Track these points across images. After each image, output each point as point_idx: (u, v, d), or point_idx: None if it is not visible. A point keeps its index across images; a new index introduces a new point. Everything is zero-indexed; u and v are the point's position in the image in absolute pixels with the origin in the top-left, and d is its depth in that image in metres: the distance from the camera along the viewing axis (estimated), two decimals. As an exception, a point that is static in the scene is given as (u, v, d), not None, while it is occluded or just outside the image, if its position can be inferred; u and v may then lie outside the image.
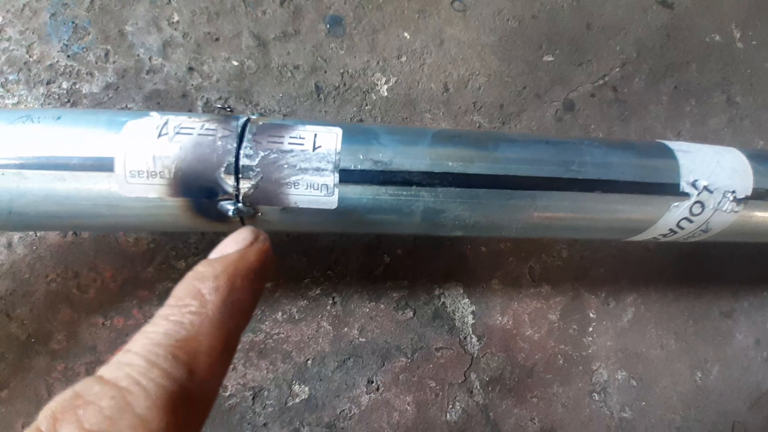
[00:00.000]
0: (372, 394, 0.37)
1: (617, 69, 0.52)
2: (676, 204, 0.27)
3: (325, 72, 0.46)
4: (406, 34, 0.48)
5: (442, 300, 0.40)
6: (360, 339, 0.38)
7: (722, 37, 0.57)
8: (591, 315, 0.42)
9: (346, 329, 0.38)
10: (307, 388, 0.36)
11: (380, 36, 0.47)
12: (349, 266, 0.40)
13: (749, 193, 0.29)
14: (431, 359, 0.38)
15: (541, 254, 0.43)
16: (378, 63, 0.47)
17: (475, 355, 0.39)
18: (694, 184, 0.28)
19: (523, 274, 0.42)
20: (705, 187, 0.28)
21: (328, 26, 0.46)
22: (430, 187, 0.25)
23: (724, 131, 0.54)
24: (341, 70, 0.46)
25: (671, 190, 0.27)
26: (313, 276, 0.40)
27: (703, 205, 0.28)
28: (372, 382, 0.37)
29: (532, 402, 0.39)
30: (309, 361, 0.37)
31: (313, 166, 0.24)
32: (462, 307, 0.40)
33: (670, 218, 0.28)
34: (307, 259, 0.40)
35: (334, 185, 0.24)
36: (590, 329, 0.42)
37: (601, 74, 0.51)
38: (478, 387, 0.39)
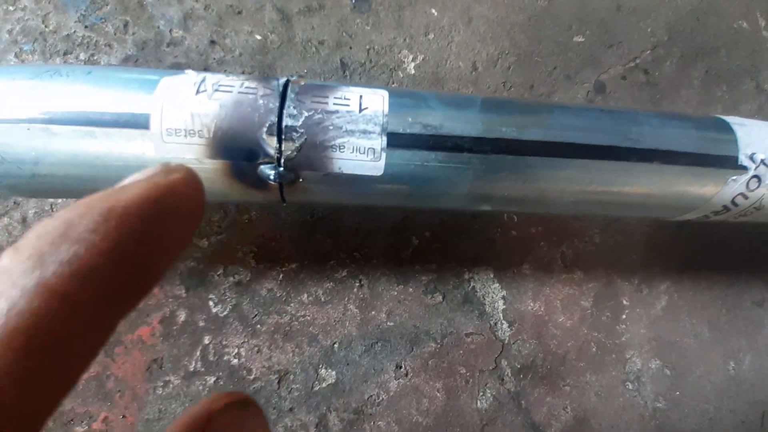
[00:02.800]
0: (401, 380, 0.35)
1: (648, 51, 0.51)
2: (734, 178, 0.26)
3: (351, 48, 0.44)
4: (433, 11, 0.46)
5: (472, 284, 0.39)
6: (388, 323, 0.37)
7: (749, 25, 0.56)
8: (624, 302, 0.41)
9: (373, 312, 0.37)
10: (334, 373, 0.35)
11: (407, 12, 0.46)
12: (375, 248, 0.39)
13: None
14: (461, 345, 0.37)
15: (573, 239, 0.41)
16: (405, 40, 0.45)
17: (506, 341, 0.38)
18: (752, 158, 0.26)
19: (554, 260, 0.41)
20: (762, 161, 0.26)
21: (353, 1, 0.45)
22: (481, 153, 0.23)
23: (756, 117, 0.53)
24: (367, 47, 0.44)
25: (730, 163, 0.26)
26: (339, 258, 0.38)
27: (760, 180, 0.27)
28: (400, 367, 0.36)
29: (565, 390, 0.38)
30: (336, 345, 0.36)
31: (359, 128, 0.22)
32: (492, 292, 0.39)
33: (727, 193, 0.26)
34: (333, 241, 0.38)
35: (382, 149, 0.23)
36: (623, 317, 0.40)
37: (632, 56, 0.50)
38: (510, 374, 0.37)
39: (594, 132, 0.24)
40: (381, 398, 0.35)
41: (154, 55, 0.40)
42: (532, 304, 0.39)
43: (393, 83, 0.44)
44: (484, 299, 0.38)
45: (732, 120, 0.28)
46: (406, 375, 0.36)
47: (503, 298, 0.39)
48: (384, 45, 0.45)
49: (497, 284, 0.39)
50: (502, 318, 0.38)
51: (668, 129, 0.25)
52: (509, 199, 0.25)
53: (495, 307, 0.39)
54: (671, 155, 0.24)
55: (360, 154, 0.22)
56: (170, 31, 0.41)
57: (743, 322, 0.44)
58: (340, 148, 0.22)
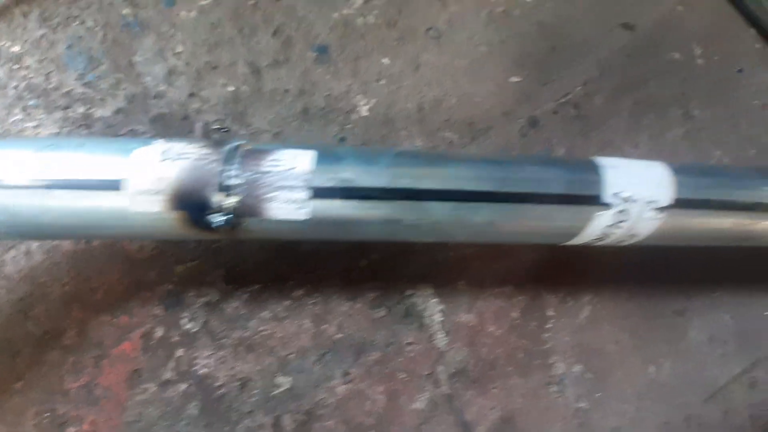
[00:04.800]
0: (347, 385, 0.41)
1: (579, 87, 0.57)
2: (599, 213, 0.32)
3: (312, 95, 0.51)
4: (385, 60, 0.53)
5: (413, 300, 0.44)
6: (338, 335, 0.43)
7: (682, 55, 0.62)
8: (550, 313, 0.47)
9: (325, 326, 0.43)
10: (289, 379, 0.41)
11: (362, 62, 0.53)
12: (330, 269, 0.45)
13: (670, 202, 0.33)
14: (402, 353, 0.43)
15: (505, 257, 0.47)
16: (360, 86, 0.52)
17: (442, 349, 0.44)
18: (617, 196, 0.32)
19: (487, 276, 0.47)
20: (627, 198, 0.32)
21: (315, 54, 0.52)
22: (387, 200, 0.29)
23: (681, 143, 0.59)
24: (326, 93, 0.51)
25: (594, 201, 0.31)
26: (297, 278, 0.44)
27: (627, 214, 0.33)
28: (348, 374, 0.41)
29: (494, 392, 0.43)
30: (291, 355, 0.42)
31: (288, 184, 0.29)
32: (431, 306, 0.45)
33: (596, 226, 0.32)
34: (292, 263, 0.45)
35: (307, 200, 0.29)
36: (549, 326, 0.46)
37: (565, 92, 0.56)
38: (445, 378, 0.43)
39: (479, 180, 0.30)
40: (330, 401, 0.41)
41: (142, 107, 0.47)
42: (466, 316, 0.45)
43: (348, 125, 0.51)
44: (424, 312, 0.44)
45: (607, 162, 0.34)
46: (353, 381, 0.41)
47: (441, 311, 0.45)
48: (341, 91, 0.51)
49: (436, 299, 0.45)
50: (439, 329, 0.44)
51: (543, 174, 0.31)
52: (415, 234, 0.31)
53: (433, 319, 0.44)
54: (541, 197, 0.30)
55: (288, 204, 0.29)
56: (156, 85, 0.48)
57: (664, 329, 0.50)
58: (273, 200, 0.29)
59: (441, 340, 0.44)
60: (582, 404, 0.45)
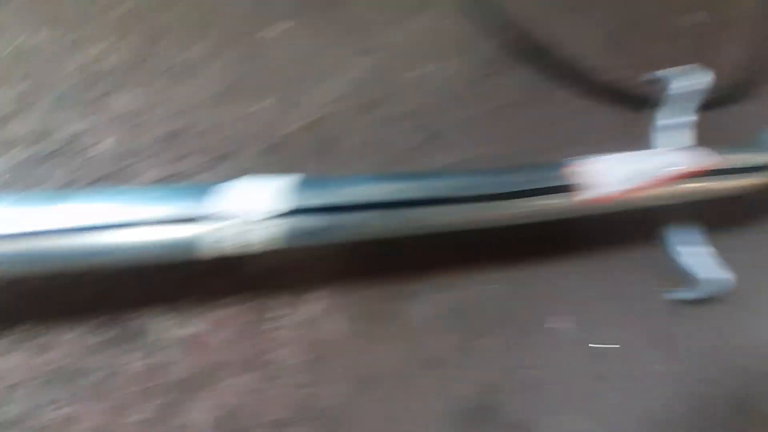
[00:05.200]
0: (59, 411, 0.44)
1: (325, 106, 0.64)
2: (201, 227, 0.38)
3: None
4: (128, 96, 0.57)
5: (140, 320, 0.48)
6: (58, 364, 0.45)
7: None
8: (283, 312, 0.52)
9: (47, 355, 0.46)
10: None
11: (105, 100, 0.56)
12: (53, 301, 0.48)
13: (278, 212, 0.40)
14: (123, 372, 0.46)
15: (235, 269, 0.52)
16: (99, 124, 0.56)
17: (167, 362, 0.48)
18: (216, 211, 0.38)
19: (217, 288, 0.52)
20: (227, 212, 0.39)
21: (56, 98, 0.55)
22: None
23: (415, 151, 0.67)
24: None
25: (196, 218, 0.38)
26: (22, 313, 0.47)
27: (227, 227, 0.39)
28: (57, 401, 0.44)
29: (218, 391, 0.48)
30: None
31: None
32: (158, 322, 0.49)
33: (205, 240, 0.38)
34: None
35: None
36: (280, 323, 0.52)
37: (310, 115, 0.63)
38: (167, 388, 0.47)
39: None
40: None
41: None
42: (194, 328, 0.50)
43: (79, 167, 0.54)
44: (149, 331, 0.48)
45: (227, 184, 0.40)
46: (65, 406, 0.44)
47: (169, 326, 0.49)
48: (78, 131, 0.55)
49: (164, 316, 0.49)
50: (166, 345, 0.48)
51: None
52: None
53: (160, 336, 0.49)
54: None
55: None
56: None
57: (389, 313, 0.56)
58: None
59: (166, 354, 0.48)
60: (307, 390, 0.50)
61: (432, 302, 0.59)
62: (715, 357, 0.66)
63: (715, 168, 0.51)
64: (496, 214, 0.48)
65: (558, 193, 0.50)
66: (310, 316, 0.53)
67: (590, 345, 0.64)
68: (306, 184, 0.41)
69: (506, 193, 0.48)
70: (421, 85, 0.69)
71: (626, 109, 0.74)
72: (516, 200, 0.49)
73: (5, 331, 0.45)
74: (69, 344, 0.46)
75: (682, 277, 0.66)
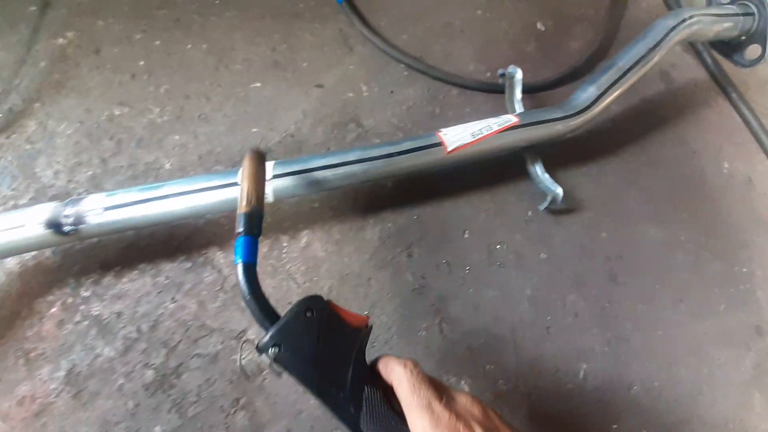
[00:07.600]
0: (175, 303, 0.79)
1: (292, 126, 1.03)
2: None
3: None
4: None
5: (207, 254, 0.84)
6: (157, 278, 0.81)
7: (354, 93, 1.10)
8: (287, 243, 0.88)
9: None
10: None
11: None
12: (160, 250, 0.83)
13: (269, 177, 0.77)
14: (204, 282, 0.82)
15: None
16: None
17: (225, 276, 0.83)
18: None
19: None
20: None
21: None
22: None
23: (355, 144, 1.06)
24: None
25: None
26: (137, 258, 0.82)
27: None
28: (174, 299, 0.80)
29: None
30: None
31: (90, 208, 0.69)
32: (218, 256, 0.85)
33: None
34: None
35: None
36: (287, 249, 0.88)
37: (284, 130, 1.02)
38: (226, 291, 0.83)
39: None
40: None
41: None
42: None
43: None
44: (214, 261, 0.84)
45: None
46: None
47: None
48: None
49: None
50: (221, 268, 0.84)
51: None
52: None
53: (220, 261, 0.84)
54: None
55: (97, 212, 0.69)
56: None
57: (355, 238, 0.93)
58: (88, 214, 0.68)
59: (223, 273, 0.84)
60: (309, 284, 0.86)
61: (379, 229, 0.95)
62: (581, 244, 1.03)
63: (515, 125, 0.90)
64: (399, 166, 0.86)
65: (432, 148, 0.88)
66: (306, 242, 0.89)
67: (489, 245, 1.00)
68: (280, 163, 0.79)
69: (403, 150, 0.86)
70: (354, 102, 1.08)
71: (491, 95, 1.14)
72: (410, 154, 0.86)
73: (133, 268, 0.81)
74: (170, 270, 0.81)
75: (540, 195, 1.04)
